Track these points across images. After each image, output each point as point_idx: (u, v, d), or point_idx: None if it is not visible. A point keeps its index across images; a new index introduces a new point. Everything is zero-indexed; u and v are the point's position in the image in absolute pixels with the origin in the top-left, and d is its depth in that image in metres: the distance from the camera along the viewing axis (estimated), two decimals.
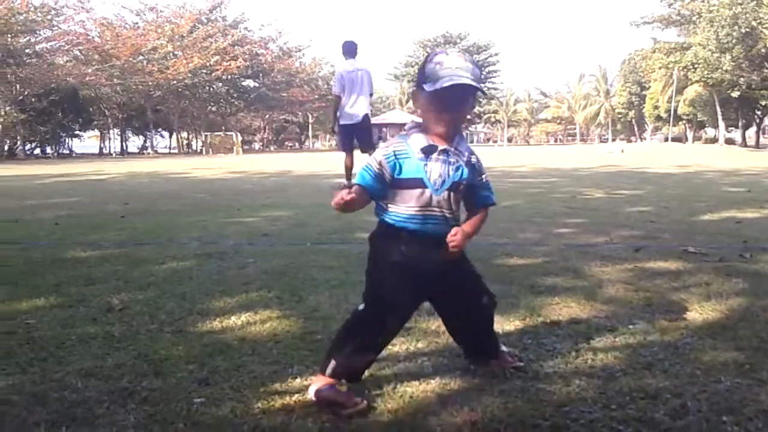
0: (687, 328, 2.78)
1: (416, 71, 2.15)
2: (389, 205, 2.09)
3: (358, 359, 2.12)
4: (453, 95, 2.00)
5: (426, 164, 2.05)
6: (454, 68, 1.98)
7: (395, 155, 2.05)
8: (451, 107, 2.04)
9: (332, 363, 2.08)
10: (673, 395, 2.09)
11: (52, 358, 2.51)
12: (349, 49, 9.96)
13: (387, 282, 2.12)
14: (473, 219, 2.18)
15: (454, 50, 2.08)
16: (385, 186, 2.06)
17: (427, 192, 2.05)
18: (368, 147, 9.90)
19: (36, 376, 2.33)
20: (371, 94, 10.15)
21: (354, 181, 2.10)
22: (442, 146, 2.06)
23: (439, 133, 2.07)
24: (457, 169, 2.08)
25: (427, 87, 2.01)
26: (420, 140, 2.06)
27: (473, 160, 2.14)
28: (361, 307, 2.15)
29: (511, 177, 12.39)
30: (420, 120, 2.13)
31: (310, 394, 2.07)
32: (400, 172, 2.04)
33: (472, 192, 2.17)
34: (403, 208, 2.06)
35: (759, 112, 51.55)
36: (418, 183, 2.05)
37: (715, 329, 2.76)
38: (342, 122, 9.97)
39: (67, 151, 56.39)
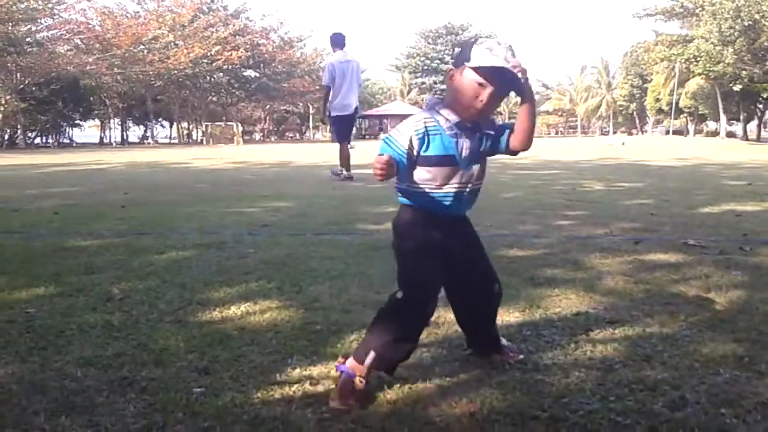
0: (686, 321, 2.78)
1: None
2: (416, 185, 2.04)
3: (399, 349, 2.09)
4: (500, 79, 1.93)
5: (458, 141, 2.02)
6: (502, 57, 1.92)
7: (426, 131, 1.99)
8: (492, 86, 1.95)
9: (372, 354, 2.03)
10: (671, 387, 2.09)
11: (51, 347, 2.52)
12: (338, 41, 10.09)
13: (424, 265, 2.08)
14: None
15: (503, 41, 2.00)
16: (410, 163, 2.00)
17: (458, 169, 2.03)
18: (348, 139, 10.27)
19: (36, 365, 2.33)
20: (359, 86, 10.34)
21: (381, 151, 1.98)
22: (470, 123, 2.03)
23: (470, 114, 2.00)
24: (480, 139, 2.07)
25: (473, 63, 1.92)
26: (450, 115, 2.01)
27: (492, 126, 2.12)
28: (400, 294, 2.08)
29: (511, 169, 12.38)
30: (438, 99, 2.10)
31: (338, 367, 2.08)
32: (428, 148, 1.99)
33: (497, 141, 2.12)
34: (433, 187, 2.03)
35: (761, 106, 51.38)
36: (450, 160, 2.01)
37: (714, 322, 2.76)
38: (335, 113, 10.11)
39: (68, 141, 56.48)
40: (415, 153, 1.99)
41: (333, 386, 2.06)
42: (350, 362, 2.07)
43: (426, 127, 1.99)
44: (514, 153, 2.13)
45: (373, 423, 1.87)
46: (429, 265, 2.08)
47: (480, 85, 1.95)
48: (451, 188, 2.04)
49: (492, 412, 1.93)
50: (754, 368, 2.25)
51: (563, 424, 1.86)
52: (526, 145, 2.10)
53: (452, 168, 2.02)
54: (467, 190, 2.08)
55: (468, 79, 1.96)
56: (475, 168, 2.08)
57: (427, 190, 2.04)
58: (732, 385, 2.11)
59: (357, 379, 2.03)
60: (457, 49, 2.10)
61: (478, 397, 2.03)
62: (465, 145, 2.03)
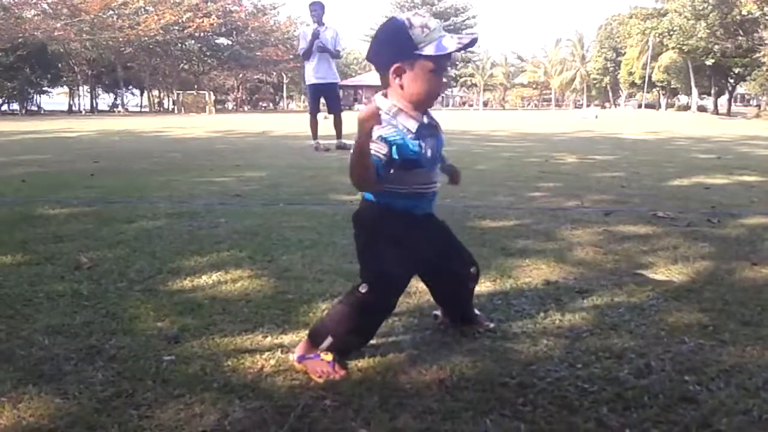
0: (653, 290, 2.83)
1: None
2: (386, 186, 1.95)
3: (357, 338, 2.10)
4: (447, 60, 1.93)
5: (421, 144, 1.95)
6: (440, 30, 1.90)
7: (389, 143, 1.87)
8: (444, 68, 1.96)
9: (329, 340, 2.02)
10: (637, 355, 2.13)
11: (18, 315, 2.48)
12: (320, 8, 10.28)
13: (390, 263, 2.04)
14: None
15: (422, 12, 1.98)
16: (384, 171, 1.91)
17: (423, 171, 1.99)
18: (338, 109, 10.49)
19: (2, 333, 2.30)
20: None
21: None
22: (426, 121, 1.99)
23: (424, 106, 1.99)
24: (438, 139, 2.06)
25: (433, 50, 1.87)
26: (408, 122, 1.93)
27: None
28: (364, 289, 2.04)
29: (486, 141, 12.41)
30: (383, 93, 2.00)
31: (294, 359, 2.05)
32: (397, 153, 1.90)
33: None
34: (401, 189, 1.98)
35: (732, 80, 51.92)
36: (416, 164, 1.95)
37: (680, 292, 2.81)
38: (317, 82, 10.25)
39: (36, 108, 55.22)
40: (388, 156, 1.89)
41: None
42: (305, 346, 2.06)
43: (387, 140, 1.87)
44: None
45: (343, 390, 1.88)
46: (396, 263, 2.05)
47: (433, 71, 1.92)
48: (416, 191, 2.02)
49: (461, 379, 1.95)
50: (718, 337, 2.30)
51: (531, 390, 1.89)
52: None
53: (420, 170, 1.98)
54: (431, 191, 2.07)
55: (424, 69, 1.91)
56: (437, 168, 2.09)
57: (400, 191, 1.98)
58: (696, 353, 2.16)
59: (322, 354, 2.02)
60: (383, 44, 1.95)
61: (447, 364, 2.05)
62: (427, 145, 1.98)
